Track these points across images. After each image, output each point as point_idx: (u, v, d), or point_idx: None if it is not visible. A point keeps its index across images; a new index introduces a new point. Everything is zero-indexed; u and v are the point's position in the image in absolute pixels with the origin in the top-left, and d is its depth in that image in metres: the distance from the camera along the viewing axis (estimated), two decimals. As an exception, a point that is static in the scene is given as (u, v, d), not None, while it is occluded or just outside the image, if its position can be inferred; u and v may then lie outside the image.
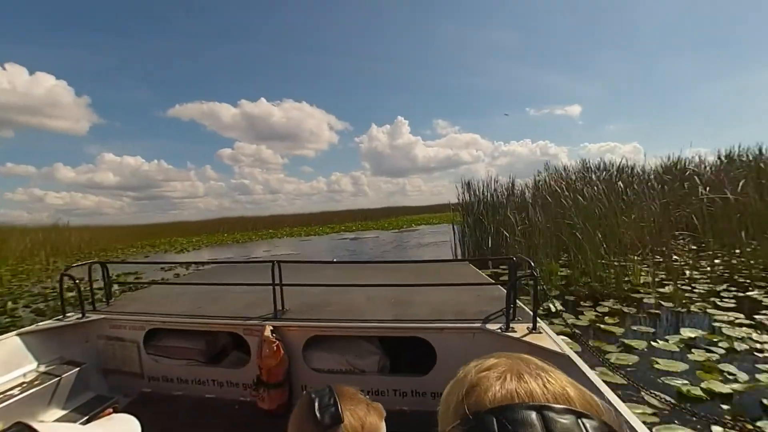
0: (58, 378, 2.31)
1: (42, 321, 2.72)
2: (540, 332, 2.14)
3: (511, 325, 2.21)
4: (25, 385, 2.19)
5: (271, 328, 2.34)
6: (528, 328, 2.18)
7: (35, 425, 0.64)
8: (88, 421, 2.60)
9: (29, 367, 2.38)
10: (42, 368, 2.39)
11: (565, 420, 0.35)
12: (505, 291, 2.35)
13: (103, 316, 2.71)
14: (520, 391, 0.39)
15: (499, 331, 2.19)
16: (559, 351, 1.92)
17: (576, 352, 1.93)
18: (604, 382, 1.65)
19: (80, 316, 2.69)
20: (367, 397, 0.90)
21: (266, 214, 47.14)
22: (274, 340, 2.28)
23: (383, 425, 0.87)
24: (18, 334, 2.44)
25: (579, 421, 0.35)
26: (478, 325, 2.28)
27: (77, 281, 2.71)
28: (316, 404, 0.81)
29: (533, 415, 0.35)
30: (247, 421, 2.35)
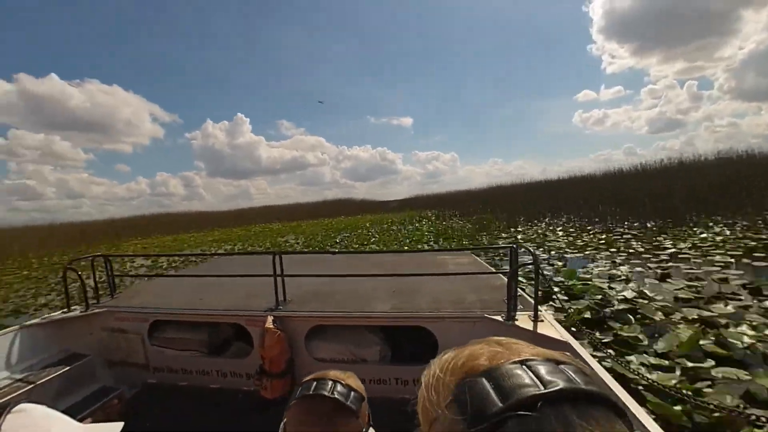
0: (64, 370, 2.33)
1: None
2: (542, 320, 2.13)
3: (513, 313, 2.21)
4: (31, 376, 2.21)
5: (273, 318, 2.35)
6: (530, 316, 2.17)
7: (30, 407, 0.64)
8: (93, 413, 2.64)
9: (35, 359, 2.40)
10: (47, 360, 2.42)
11: (547, 366, 0.40)
12: (506, 280, 2.35)
13: (107, 308, 2.73)
14: (504, 354, 0.43)
15: (500, 319, 2.18)
16: (561, 339, 1.92)
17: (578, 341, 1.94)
18: (606, 369, 1.65)
19: (84, 308, 2.71)
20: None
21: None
22: (276, 330, 2.28)
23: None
24: (23, 327, 2.46)
25: (559, 366, 0.40)
26: (480, 314, 2.28)
27: (81, 274, 2.72)
28: (337, 395, 0.81)
29: (519, 367, 0.40)
30: (251, 411, 2.37)
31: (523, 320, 2.16)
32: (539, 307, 2.18)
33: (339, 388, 0.83)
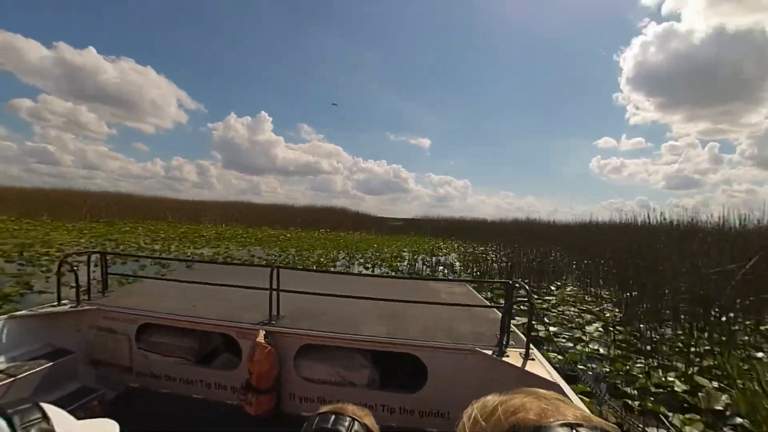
0: (47, 365, 2.29)
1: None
2: (533, 359, 2.13)
3: (504, 349, 2.20)
4: (12, 369, 2.17)
5: (265, 333, 2.33)
6: (521, 354, 2.17)
7: (45, 407, 0.69)
8: (72, 412, 2.55)
9: (17, 351, 2.36)
10: (31, 354, 2.38)
11: None
12: (500, 314, 2.34)
13: (97, 306, 2.70)
14: (552, 413, 0.43)
15: (492, 354, 2.18)
16: (551, 380, 1.91)
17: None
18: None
19: (75, 304, 2.69)
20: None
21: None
22: (266, 345, 2.27)
23: None
24: (11, 317, 2.43)
25: None
26: (471, 346, 2.27)
27: (75, 269, 2.71)
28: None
29: (568, 431, 0.40)
30: (233, 425, 2.33)
31: (514, 357, 2.15)
32: (531, 345, 2.18)
33: (357, 427, 0.82)
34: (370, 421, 0.86)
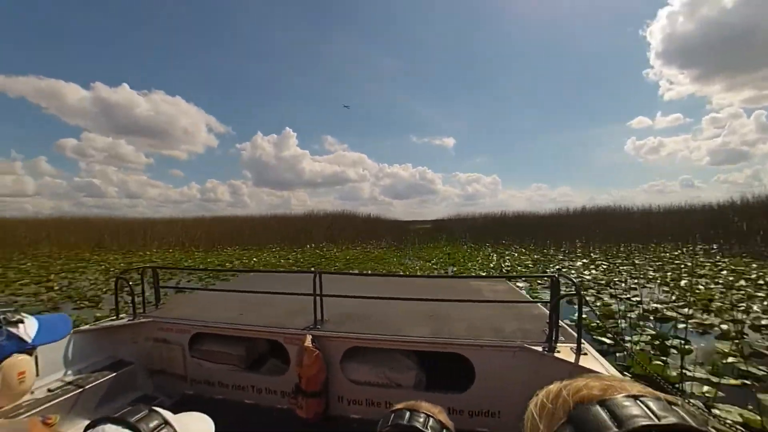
0: (111, 376, 2.44)
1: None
2: (585, 353, 2.04)
3: (554, 345, 2.12)
4: (81, 380, 2.32)
5: (312, 337, 2.36)
6: (572, 348, 2.09)
7: (158, 410, 0.72)
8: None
9: (83, 363, 2.52)
10: (95, 366, 2.53)
11: (660, 403, 0.43)
12: (546, 310, 2.26)
13: (152, 318, 2.84)
14: (617, 388, 0.46)
15: (541, 351, 2.10)
16: (606, 374, 1.81)
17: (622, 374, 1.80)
18: None
19: (132, 317, 2.84)
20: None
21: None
22: (314, 349, 2.30)
23: None
24: (75, 332, 2.59)
25: (671, 406, 0.43)
26: (519, 343, 2.20)
27: (131, 284, 2.87)
28: (430, 430, 0.82)
29: (632, 400, 0.43)
30: (285, 429, 2.37)
31: (565, 352, 2.08)
32: (582, 339, 2.08)
33: (432, 423, 0.83)
34: (443, 417, 0.87)
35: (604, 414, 0.42)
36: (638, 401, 0.43)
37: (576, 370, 1.93)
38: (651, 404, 0.42)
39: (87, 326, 2.74)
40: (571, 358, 2.01)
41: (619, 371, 1.96)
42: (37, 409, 1.93)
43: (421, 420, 0.82)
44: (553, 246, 17.99)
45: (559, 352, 2.08)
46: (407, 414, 0.84)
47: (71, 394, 2.18)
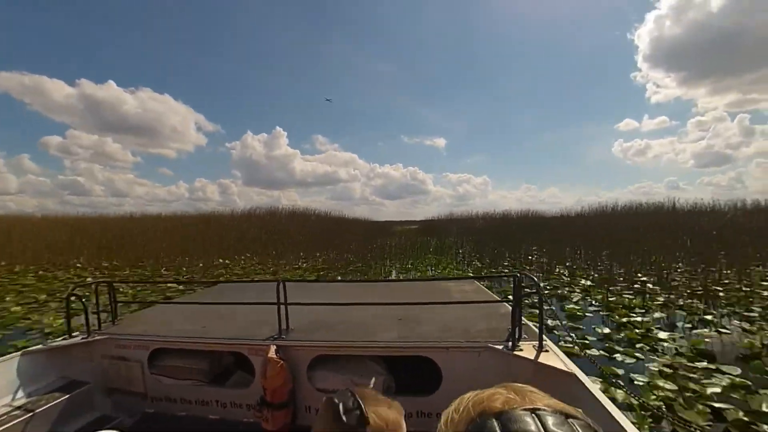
0: (64, 398, 2.30)
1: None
2: (547, 350, 2.11)
3: (516, 343, 2.19)
4: (31, 404, 2.18)
5: (276, 347, 2.33)
6: (534, 346, 2.16)
7: None
8: None
9: (35, 386, 2.37)
10: (47, 388, 2.39)
11: (556, 418, 0.44)
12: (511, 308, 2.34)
13: (108, 335, 2.71)
14: (518, 401, 0.47)
15: (505, 350, 2.16)
16: (567, 370, 1.90)
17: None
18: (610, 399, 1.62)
19: (86, 335, 2.70)
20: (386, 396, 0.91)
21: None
22: (278, 359, 2.26)
23: (403, 422, 0.90)
24: (24, 354, 2.45)
25: (568, 420, 0.44)
26: (484, 343, 2.26)
27: (84, 300, 2.72)
28: (341, 408, 0.82)
29: (528, 414, 0.44)
30: None
31: (528, 350, 2.14)
32: (544, 336, 2.16)
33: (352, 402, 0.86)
34: (382, 412, 0.86)
35: (497, 428, 0.43)
36: (534, 415, 0.44)
37: (537, 368, 1.99)
38: (547, 419, 0.43)
39: (36, 347, 2.58)
40: (533, 356, 2.06)
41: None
42: None
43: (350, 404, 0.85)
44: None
45: (522, 350, 2.13)
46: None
47: (20, 419, 2.05)
